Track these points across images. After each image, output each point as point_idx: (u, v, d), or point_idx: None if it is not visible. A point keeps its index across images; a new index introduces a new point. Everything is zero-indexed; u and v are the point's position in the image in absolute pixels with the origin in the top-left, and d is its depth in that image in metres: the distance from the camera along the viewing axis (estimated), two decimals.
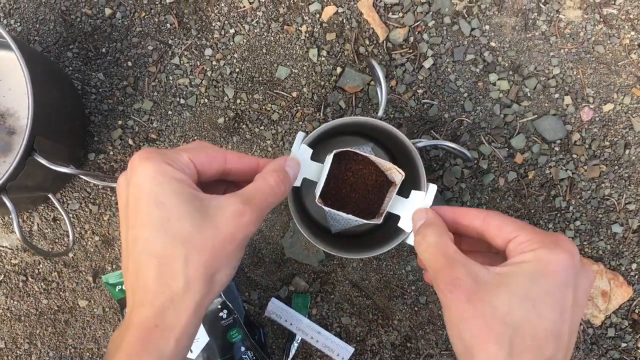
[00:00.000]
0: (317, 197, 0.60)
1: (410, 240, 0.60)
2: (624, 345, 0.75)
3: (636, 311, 0.75)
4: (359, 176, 0.63)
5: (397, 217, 0.63)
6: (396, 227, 0.62)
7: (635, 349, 0.75)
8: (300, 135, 0.61)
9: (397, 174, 0.59)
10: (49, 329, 0.77)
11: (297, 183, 0.62)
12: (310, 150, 0.61)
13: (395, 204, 0.61)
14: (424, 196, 0.57)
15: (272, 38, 0.76)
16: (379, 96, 0.64)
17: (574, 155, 0.75)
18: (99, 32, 0.76)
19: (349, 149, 0.59)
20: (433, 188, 0.58)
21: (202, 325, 0.70)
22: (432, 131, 0.76)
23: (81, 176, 0.67)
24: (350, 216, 0.59)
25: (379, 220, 0.59)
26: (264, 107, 0.76)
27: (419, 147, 0.62)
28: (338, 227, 0.71)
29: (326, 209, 0.61)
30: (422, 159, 0.64)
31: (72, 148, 0.72)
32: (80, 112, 0.74)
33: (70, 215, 0.76)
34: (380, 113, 0.64)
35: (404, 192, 0.62)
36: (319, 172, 0.62)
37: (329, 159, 0.59)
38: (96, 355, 0.77)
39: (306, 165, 0.61)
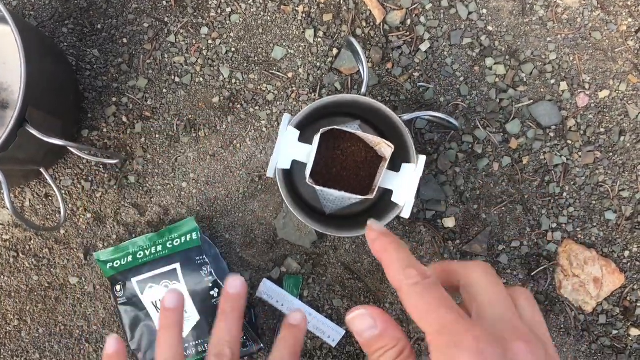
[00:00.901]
0: (307, 177, 0.60)
1: (405, 213, 0.60)
2: (615, 332, 0.75)
3: (628, 298, 0.75)
4: (348, 154, 0.63)
5: (390, 194, 0.63)
6: (390, 204, 0.62)
7: (626, 336, 0.75)
8: (286, 117, 0.61)
9: (386, 148, 0.59)
10: (39, 305, 0.76)
11: (287, 165, 0.62)
12: (297, 132, 0.61)
13: (387, 179, 0.61)
14: (415, 168, 0.57)
15: (268, 18, 0.76)
16: (362, 72, 0.64)
17: (569, 142, 0.75)
18: (94, 8, 0.76)
19: (335, 127, 0.59)
20: (422, 159, 0.58)
21: (192, 304, 0.70)
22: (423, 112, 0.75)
23: (73, 151, 0.67)
24: (342, 193, 0.59)
25: (371, 195, 0.59)
26: (259, 87, 0.76)
27: (405, 120, 0.62)
28: (332, 207, 0.71)
29: (318, 188, 0.61)
30: (414, 139, 0.64)
31: (65, 123, 0.71)
32: (74, 87, 0.74)
33: (63, 192, 0.76)
34: (364, 90, 0.63)
35: (395, 166, 0.62)
36: (307, 153, 0.62)
37: (316, 138, 0.59)
38: (86, 332, 0.77)
39: (294, 147, 0.61)
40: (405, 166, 0.59)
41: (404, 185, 0.59)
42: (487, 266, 0.33)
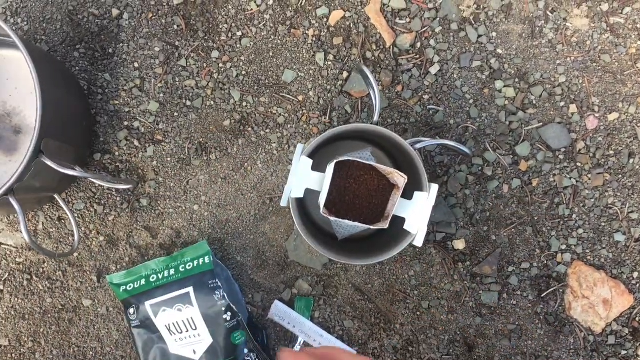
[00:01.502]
0: (321, 208, 0.61)
1: (418, 242, 0.61)
2: (624, 352, 0.76)
3: (637, 319, 0.76)
4: (361, 182, 0.64)
5: (402, 219, 0.63)
6: (402, 229, 0.63)
7: (635, 357, 0.76)
8: (299, 147, 0.61)
9: (399, 178, 0.59)
10: (52, 327, 0.77)
11: (300, 195, 0.63)
12: (310, 161, 0.61)
13: (400, 207, 0.61)
14: (427, 196, 0.58)
15: (279, 41, 0.76)
16: (373, 100, 0.64)
17: (578, 164, 0.75)
18: (105, 32, 0.76)
19: (348, 157, 0.60)
20: (435, 188, 0.58)
21: (205, 327, 0.71)
22: (437, 137, 0.76)
23: (91, 179, 0.67)
24: (356, 223, 0.59)
25: (385, 225, 0.60)
26: (269, 110, 0.76)
27: (417, 148, 0.62)
28: (344, 233, 0.72)
29: (332, 218, 0.61)
30: (424, 162, 0.64)
31: (78, 149, 0.72)
32: (86, 112, 0.75)
33: (75, 215, 0.76)
34: (376, 118, 0.64)
35: (406, 193, 0.63)
36: (320, 182, 0.62)
37: (330, 168, 0.60)
38: (99, 354, 0.77)
39: (307, 176, 0.61)
40: (417, 195, 0.59)
41: (416, 213, 0.60)
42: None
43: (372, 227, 0.59)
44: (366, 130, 0.63)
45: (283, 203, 0.62)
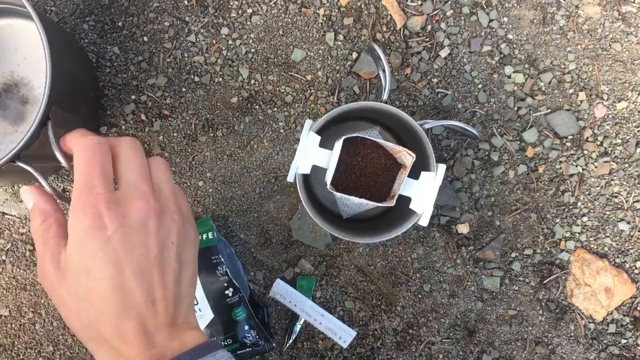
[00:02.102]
0: (328, 184, 0.61)
1: (423, 221, 0.61)
2: (624, 341, 0.76)
3: (638, 309, 0.76)
4: (368, 160, 0.64)
5: (408, 199, 0.63)
6: (407, 209, 0.63)
7: (635, 346, 0.76)
8: (307, 123, 0.61)
9: (407, 156, 0.59)
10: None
11: (307, 170, 0.62)
12: (318, 137, 0.61)
13: (406, 186, 0.61)
14: (434, 176, 0.58)
15: (289, 20, 0.76)
16: (383, 80, 0.64)
17: (585, 152, 0.75)
18: (115, 5, 0.76)
19: (357, 134, 0.60)
20: (442, 168, 0.58)
21: (207, 301, 0.71)
22: (444, 120, 0.76)
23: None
24: (362, 200, 0.59)
25: (391, 203, 0.60)
26: (277, 89, 0.76)
27: (425, 128, 0.62)
28: (349, 212, 0.72)
29: (337, 194, 0.61)
30: (430, 143, 0.64)
31: (85, 120, 0.72)
32: (94, 84, 0.74)
33: None
34: (385, 97, 0.63)
35: (413, 173, 0.63)
36: (327, 159, 0.62)
37: (338, 145, 0.60)
38: None
39: (315, 153, 0.61)
40: (424, 174, 0.59)
41: (422, 193, 0.60)
42: (134, 141, 0.38)
43: (378, 205, 0.59)
44: (375, 108, 0.63)
45: (290, 179, 0.62)
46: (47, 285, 0.36)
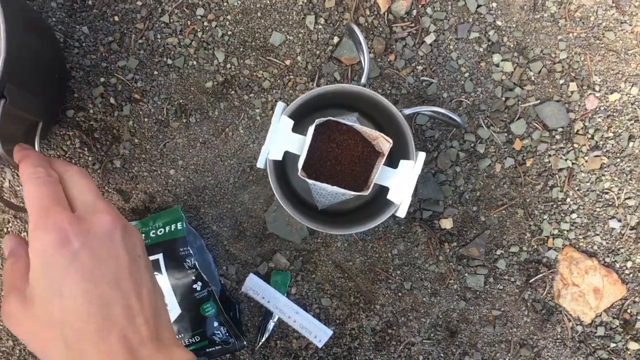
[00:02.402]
0: (299, 169, 0.57)
1: (401, 212, 0.57)
2: (613, 345, 0.73)
3: (628, 311, 0.72)
4: (344, 147, 0.60)
5: (387, 191, 0.59)
6: (386, 201, 0.59)
7: (624, 350, 0.72)
8: (279, 105, 0.57)
9: (384, 143, 0.55)
10: None
11: (278, 157, 0.59)
12: (291, 122, 0.57)
13: (384, 175, 0.58)
14: (414, 165, 0.54)
15: (268, 1, 0.72)
16: (362, 62, 0.60)
17: (575, 145, 0.72)
18: None
19: (331, 118, 0.56)
20: (422, 156, 0.55)
21: (174, 296, 0.67)
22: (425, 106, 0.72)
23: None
24: (335, 188, 0.56)
25: (366, 192, 0.56)
26: (254, 74, 0.72)
27: (405, 114, 0.58)
28: (324, 202, 0.68)
29: (310, 182, 0.57)
30: (411, 130, 0.60)
31: (49, 102, 0.68)
32: (60, 65, 0.70)
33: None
34: (363, 80, 0.60)
35: (392, 162, 0.59)
36: (302, 145, 0.58)
37: (311, 129, 0.56)
38: None
39: (287, 138, 0.58)
40: (403, 163, 0.56)
41: (401, 182, 0.56)
42: (81, 169, 0.43)
43: (352, 193, 0.55)
44: (353, 92, 0.59)
45: (259, 164, 0.58)
46: (13, 323, 0.35)
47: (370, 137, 0.58)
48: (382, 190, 0.61)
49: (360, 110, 0.68)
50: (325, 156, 0.60)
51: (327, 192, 0.66)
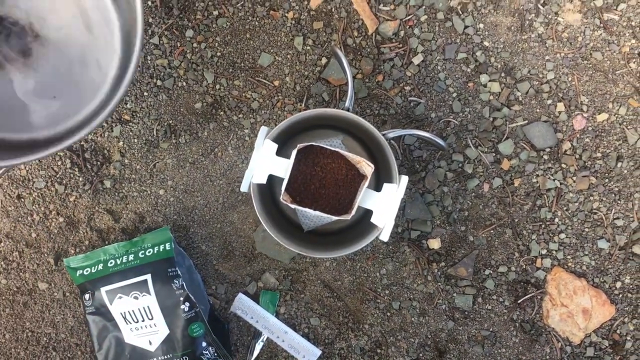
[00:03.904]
0: (282, 193, 0.57)
1: (384, 236, 0.57)
2: None
3: (618, 331, 0.72)
4: (327, 170, 0.60)
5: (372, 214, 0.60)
6: (371, 224, 0.59)
7: None
8: (263, 130, 0.58)
9: (367, 167, 0.56)
10: (6, 310, 0.74)
11: (262, 180, 0.59)
12: (275, 145, 0.58)
13: (368, 198, 0.58)
14: (396, 188, 0.55)
15: (256, 23, 0.73)
16: (348, 85, 0.61)
17: (563, 165, 0.72)
18: None
19: (313, 143, 0.57)
20: (404, 180, 0.55)
21: (162, 317, 0.68)
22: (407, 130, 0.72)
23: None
24: (318, 213, 0.56)
25: (348, 217, 0.56)
26: (243, 95, 0.73)
27: (388, 137, 0.59)
28: (310, 224, 0.68)
29: (292, 207, 0.58)
30: (402, 155, 0.61)
31: None
32: None
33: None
34: (347, 104, 0.60)
35: (379, 185, 0.59)
36: (286, 168, 0.59)
37: (293, 153, 0.56)
38: (54, 340, 0.74)
39: (271, 162, 0.58)
40: (386, 186, 0.56)
41: (384, 206, 0.56)
42: None
43: (334, 218, 0.56)
44: (333, 116, 0.59)
45: (243, 188, 0.58)
46: None
47: (354, 161, 0.59)
48: (368, 211, 0.61)
49: (347, 131, 0.68)
50: (309, 179, 0.60)
51: (312, 215, 0.66)
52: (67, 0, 0.64)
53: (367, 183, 0.56)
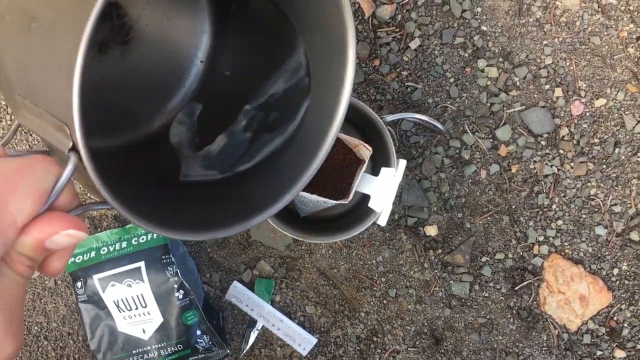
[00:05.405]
0: None
1: (381, 221, 0.57)
2: (599, 353, 0.72)
3: (614, 318, 0.72)
4: None
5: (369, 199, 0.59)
6: (369, 209, 0.58)
7: (611, 358, 0.72)
8: None
9: (364, 151, 0.55)
10: None
11: None
12: None
13: (366, 183, 0.57)
14: (394, 172, 0.54)
15: None
16: None
17: (561, 151, 0.71)
18: None
19: None
20: (402, 164, 0.54)
21: (156, 305, 0.67)
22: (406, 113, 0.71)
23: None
24: (315, 197, 0.55)
25: (346, 201, 0.56)
26: None
27: (387, 121, 0.58)
28: (306, 210, 0.67)
29: None
30: (398, 141, 0.60)
31: None
32: None
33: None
34: None
35: (377, 170, 0.59)
36: None
37: None
38: (45, 329, 0.73)
39: None
40: (384, 170, 0.55)
41: (382, 190, 0.55)
42: None
43: (331, 202, 0.55)
44: None
45: None
46: None
47: (351, 145, 0.58)
48: (366, 196, 0.61)
49: (347, 118, 0.67)
50: None
51: (309, 200, 0.65)
52: None
53: (365, 167, 0.55)
